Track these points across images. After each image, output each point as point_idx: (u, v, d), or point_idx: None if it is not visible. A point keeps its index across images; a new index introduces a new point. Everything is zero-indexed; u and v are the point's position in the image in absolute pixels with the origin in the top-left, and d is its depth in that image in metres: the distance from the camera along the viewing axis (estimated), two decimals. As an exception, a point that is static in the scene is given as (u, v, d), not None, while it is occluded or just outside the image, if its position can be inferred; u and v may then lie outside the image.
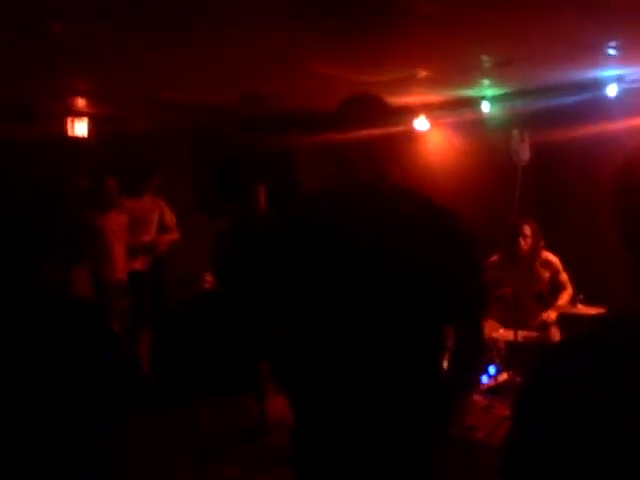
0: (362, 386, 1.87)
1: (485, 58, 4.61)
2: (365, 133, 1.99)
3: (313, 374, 1.92)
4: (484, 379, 4.58)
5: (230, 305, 4.27)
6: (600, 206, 4.20)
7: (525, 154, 5.20)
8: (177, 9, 3.36)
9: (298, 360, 1.94)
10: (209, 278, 5.60)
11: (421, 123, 6.35)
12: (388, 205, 1.96)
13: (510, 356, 4.61)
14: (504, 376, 4.57)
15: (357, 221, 1.91)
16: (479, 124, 6.13)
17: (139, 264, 5.75)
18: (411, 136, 6.23)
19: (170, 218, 5.94)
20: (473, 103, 6.02)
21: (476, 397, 4.35)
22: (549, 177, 5.85)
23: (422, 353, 1.91)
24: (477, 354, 2.09)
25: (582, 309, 4.71)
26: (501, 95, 5.95)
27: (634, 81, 5.12)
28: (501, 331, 4.78)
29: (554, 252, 5.06)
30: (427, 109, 6.28)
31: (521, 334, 4.57)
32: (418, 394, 1.90)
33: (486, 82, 5.52)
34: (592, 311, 4.58)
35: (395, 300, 1.86)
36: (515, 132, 5.40)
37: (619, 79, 5.17)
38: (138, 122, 6.12)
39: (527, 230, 5.00)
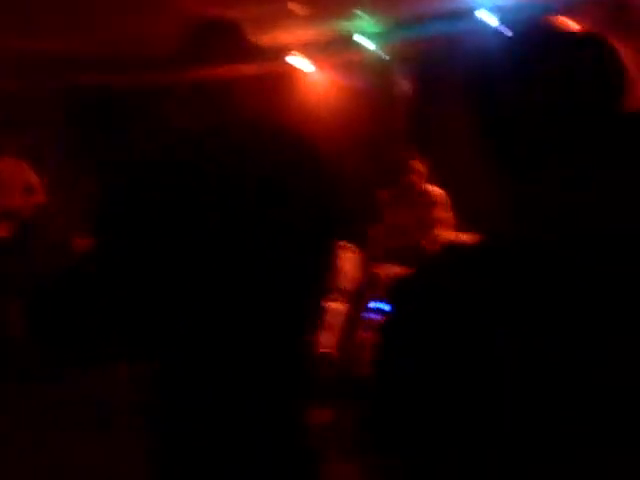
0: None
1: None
2: (220, 72, 1.82)
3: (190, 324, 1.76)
4: (372, 315, 4.48)
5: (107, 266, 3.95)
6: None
7: (408, 89, 5.08)
8: None
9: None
10: (80, 241, 5.21)
11: (298, 61, 6.06)
12: (259, 142, 1.79)
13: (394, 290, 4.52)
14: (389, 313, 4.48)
15: (230, 158, 1.75)
16: (360, 61, 5.94)
17: (3, 230, 5.30)
18: (289, 76, 5.96)
19: (35, 180, 5.46)
20: (352, 39, 5.79)
21: (364, 334, 4.25)
22: (434, 113, 5.75)
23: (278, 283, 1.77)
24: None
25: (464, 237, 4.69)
26: (379, 30, 5.75)
27: (510, 10, 5.02)
28: (386, 266, 4.68)
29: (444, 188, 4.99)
30: (304, 47, 6.00)
31: (405, 269, 4.48)
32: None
33: (363, 16, 5.29)
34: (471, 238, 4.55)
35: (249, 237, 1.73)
36: (396, 67, 5.28)
37: (497, 8, 5.06)
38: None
39: (415, 165, 4.91)
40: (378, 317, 4.47)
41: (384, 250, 4.72)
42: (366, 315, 4.48)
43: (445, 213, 4.95)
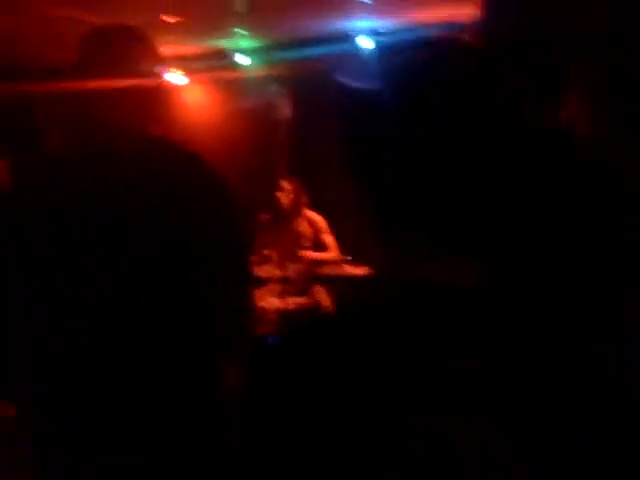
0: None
1: (235, 3, 4.27)
2: (108, 80, 1.70)
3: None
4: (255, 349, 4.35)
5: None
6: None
7: (284, 109, 5.01)
8: None
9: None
10: None
11: (176, 77, 5.85)
12: (133, 160, 1.70)
13: (283, 324, 4.44)
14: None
15: (99, 184, 1.64)
16: (237, 78, 5.82)
17: None
18: (164, 89, 5.75)
19: None
20: (230, 56, 5.68)
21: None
22: (311, 133, 5.72)
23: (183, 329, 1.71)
24: (241, 316, 1.90)
25: (348, 269, 4.65)
26: (258, 48, 5.68)
27: (386, 34, 5.09)
28: (270, 299, 4.57)
29: (320, 213, 4.92)
30: (180, 61, 5.81)
31: (291, 301, 4.39)
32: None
33: (240, 32, 5.19)
34: (359, 271, 4.55)
35: (133, 263, 1.64)
36: (273, 86, 5.20)
37: (373, 31, 5.11)
38: None
39: (286, 185, 4.80)
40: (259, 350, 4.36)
41: (271, 283, 4.59)
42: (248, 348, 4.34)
43: (328, 237, 4.89)
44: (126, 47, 1.74)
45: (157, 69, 1.80)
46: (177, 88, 6.01)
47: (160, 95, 1.85)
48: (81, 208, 1.63)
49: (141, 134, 1.73)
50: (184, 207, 1.66)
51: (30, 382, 1.71)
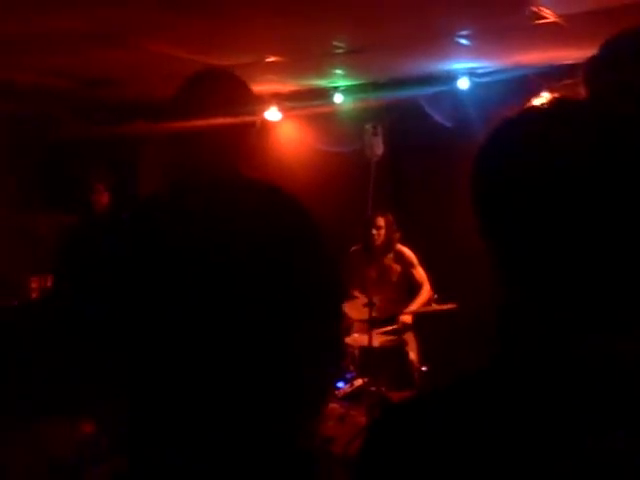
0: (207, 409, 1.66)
1: (337, 44, 4.39)
2: (207, 121, 1.75)
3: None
4: (340, 385, 4.36)
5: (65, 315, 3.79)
6: (455, 201, 4.09)
7: (379, 148, 5.05)
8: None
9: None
10: (36, 285, 5.00)
11: (272, 114, 6.03)
12: (231, 201, 1.74)
13: (365, 361, 4.42)
14: (359, 382, 4.36)
15: (194, 229, 1.69)
16: (333, 116, 5.93)
17: None
18: (262, 127, 5.92)
19: None
20: (326, 94, 5.81)
21: (332, 405, 4.11)
22: (403, 171, 5.75)
23: (272, 362, 1.70)
24: (334, 358, 1.89)
25: (436, 307, 4.61)
26: (354, 87, 5.78)
27: (484, 74, 5.08)
28: (355, 336, 4.59)
29: (413, 249, 4.92)
30: (279, 99, 5.98)
31: (376, 339, 4.39)
32: (266, 407, 1.69)
33: (339, 72, 5.32)
34: (445, 307, 4.52)
35: (239, 309, 1.66)
36: (368, 125, 5.26)
37: (470, 72, 5.11)
38: None
39: (381, 222, 4.86)
40: (347, 387, 4.37)
41: (360, 320, 4.57)
42: (336, 385, 4.36)
43: (419, 271, 4.88)
44: (224, 90, 1.78)
45: (254, 111, 1.82)
46: (274, 124, 6.18)
47: (254, 136, 1.86)
48: (168, 246, 1.66)
49: (234, 176, 1.77)
50: (277, 251, 1.68)
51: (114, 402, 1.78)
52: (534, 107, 0.81)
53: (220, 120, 1.73)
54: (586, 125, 0.75)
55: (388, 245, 4.88)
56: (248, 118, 1.80)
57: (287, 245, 1.69)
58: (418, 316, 4.70)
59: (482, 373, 0.77)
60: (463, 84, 5.14)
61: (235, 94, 1.79)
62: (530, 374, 0.73)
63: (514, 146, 0.78)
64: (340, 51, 4.51)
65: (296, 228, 1.74)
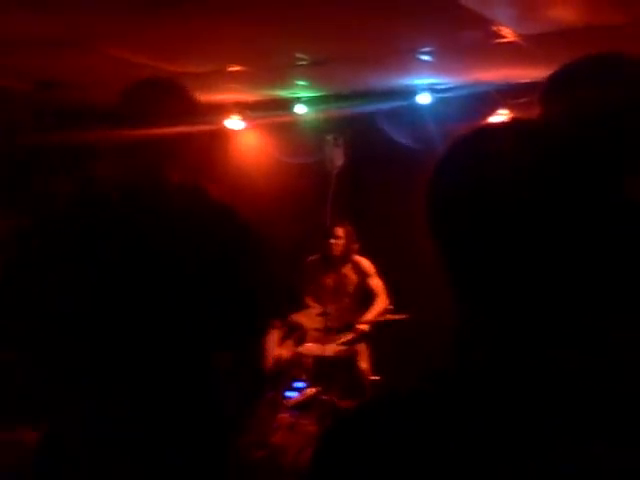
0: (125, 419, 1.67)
1: (300, 56, 4.40)
2: (143, 129, 1.79)
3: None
4: (290, 394, 4.35)
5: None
6: (414, 214, 4.13)
7: (339, 159, 5.08)
8: None
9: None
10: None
11: (234, 123, 6.01)
12: (155, 204, 1.79)
13: (318, 371, 4.43)
14: (311, 391, 4.37)
15: (118, 229, 1.76)
16: (295, 127, 5.94)
17: None
18: (219, 135, 5.90)
19: None
20: (289, 105, 5.81)
21: (282, 414, 4.10)
22: (363, 183, 5.78)
23: (191, 377, 1.74)
24: (257, 377, 1.93)
25: (390, 317, 4.67)
26: (317, 98, 5.80)
27: (445, 90, 5.15)
28: (308, 345, 4.59)
29: (371, 259, 4.95)
30: (241, 108, 5.97)
31: (330, 349, 4.40)
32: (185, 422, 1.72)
33: (302, 83, 5.35)
34: (399, 317, 4.58)
35: (160, 314, 1.71)
36: (329, 137, 5.28)
37: (431, 88, 5.17)
38: None
39: (340, 232, 4.89)
40: (298, 396, 4.37)
41: (314, 329, 4.62)
42: (287, 394, 4.36)
43: (376, 282, 4.90)
44: (161, 100, 1.83)
45: (196, 120, 1.86)
46: (235, 133, 6.16)
47: (201, 145, 1.90)
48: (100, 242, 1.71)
49: (167, 182, 1.79)
50: (201, 251, 1.72)
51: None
52: (489, 125, 0.82)
53: (157, 129, 1.77)
54: (536, 145, 0.77)
55: (346, 255, 4.90)
56: (189, 127, 1.84)
57: (208, 242, 1.74)
58: (372, 326, 4.73)
59: (433, 382, 0.78)
60: (424, 99, 5.20)
61: (174, 103, 1.83)
62: (480, 385, 0.73)
63: (468, 163, 0.80)
64: (303, 63, 4.53)
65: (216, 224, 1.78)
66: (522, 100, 4.28)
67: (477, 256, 0.76)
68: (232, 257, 1.76)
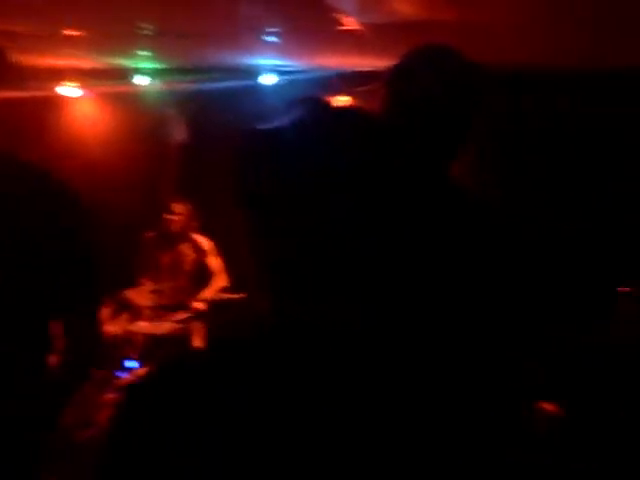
0: None
1: (144, 26, 4.25)
2: None
3: None
4: (121, 374, 4.24)
5: None
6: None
7: (181, 134, 5.00)
8: None
9: None
10: None
11: (68, 90, 5.70)
12: None
13: (149, 350, 4.36)
14: (143, 371, 4.28)
15: None
16: (135, 98, 5.73)
17: None
18: (53, 103, 5.59)
19: None
20: (130, 75, 5.60)
21: (109, 395, 3.98)
22: (204, 160, 5.72)
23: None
24: (86, 350, 1.91)
25: (226, 296, 4.67)
26: (159, 70, 5.64)
27: (288, 73, 5.22)
28: (140, 323, 4.48)
29: (211, 238, 4.90)
30: (78, 75, 5.67)
31: (163, 327, 4.34)
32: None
33: (144, 53, 5.16)
34: (235, 297, 4.58)
35: None
36: (171, 111, 5.18)
37: (275, 69, 5.23)
38: None
39: (178, 208, 4.77)
40: (128, 376, 4.26)
41: (148, 306, 4.50)
42: (117, 373, 4.23)
43: (214, 260, 4.87)
44: None
45: (18, 85, 1.83)
46: (70, 100, 5.85)
47: (44, 109, 1.87)
48: None
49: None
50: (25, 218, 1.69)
51: None
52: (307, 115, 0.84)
53: None
54: (349, 136, 0.79)
55: (184, 232, 4.80)
56: (12, 92, 1.78)
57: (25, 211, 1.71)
58: (209, 305, 4.71)
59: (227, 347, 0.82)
60: (267, 80, 5.24)
61: (12, 73, 1.76)
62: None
63: (278, 152, 0.81)
64: (147, 32, 4.38)
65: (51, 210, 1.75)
66: (362, 88, 4.43)
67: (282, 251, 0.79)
68: (50, 220, 1.72)
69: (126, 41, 4.74)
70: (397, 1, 3.48)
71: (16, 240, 1.66)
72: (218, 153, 5.54)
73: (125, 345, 4.34)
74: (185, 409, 0.76)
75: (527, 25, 3.57)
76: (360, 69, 4.78)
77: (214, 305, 4.70)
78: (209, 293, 4.77)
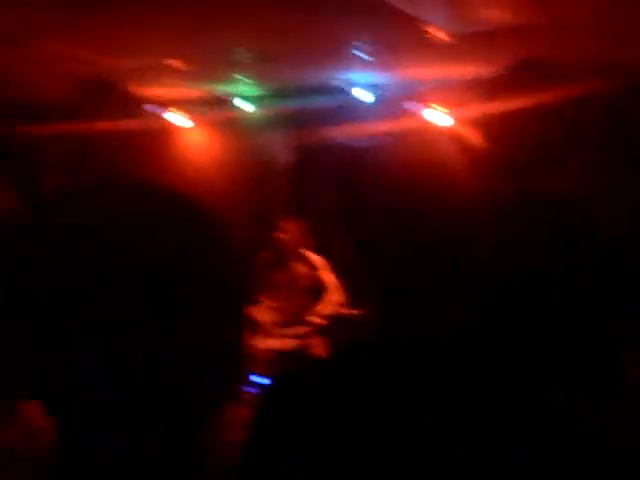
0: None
1: (241, 52, 4.46)
2: (99, 126, 1.81)
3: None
4: (249, 389, 4.38)
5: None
6: (362, 207, 4.23)
7: (288, 155, 5.16)
8: None
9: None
10: None
11: (179, 119, 6.02)
12: (119, 203, 1.79)
13: (272, 364, 4.49)
14: (268, 384, 4.42)
15: (87, 224, 1.74)
16: (241, 123, 5.97)
17: None
18: (165, 131, 5.90)
19: None
20: (235, 102, 5.84)
21: (240, 408, 4.12)
22: (309, 178, 5.86)
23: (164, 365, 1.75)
24: (237, 361, 1.99)
25: (344, 311, 4.73)
26: (260, 95, 5.85)
27: (381, 86, 5.28)
28: (262, 339, 4.64)
29: (323, 255, 5.02)
30: (186, 104, 5.98)
31: (283, 342, 4.47)
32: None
33: (245, 79, 5.38)
34: (353, 313, 4.62)
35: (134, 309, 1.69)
36: (277, 133, 5.36)
37: (368, 84, 5.31)
38: None
39: (291, 227, 4.94)
40: (254, 391, 4.38)
41: (268, 323, 4.65)
42: (244, 388, 4.38)
43: (327, 276, 4.97)
44: (106, 100, 1.91)
45: (148, 118, 1.94)
46: (179, 130, 6.17)
47: (159, 137, 1.97)
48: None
49: (124, 177, 1.87)
50: (170, 248, 1.78)
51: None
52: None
53: (113, 125, 1.85)
54: None
55: (297, 250, 4.96)
56: (142, 124, 1.90)
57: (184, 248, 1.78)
58: (326, 320, 4.80)
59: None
60: (361, 95, 5.32)
61: (127, 104, 1.89)
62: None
63: None
64: (245, 59, 4.58)
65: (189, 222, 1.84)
66: (457, 95, 4.42)
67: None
68: (205, 247, 1.83)
69: (225, 68, 4.97)
70: (485, 9, 3.47)
71: (166, 259, 1.76)
72: (321, 170, 5.74)
73: (250, 360, 4.49)
74: (307, 419, 0.84)
75: (613, 26, 3.47)
76: (453, 78, 4.77)
77: (330, 319, 4.79)
78: (324, 308, 4.88)
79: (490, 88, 3.76)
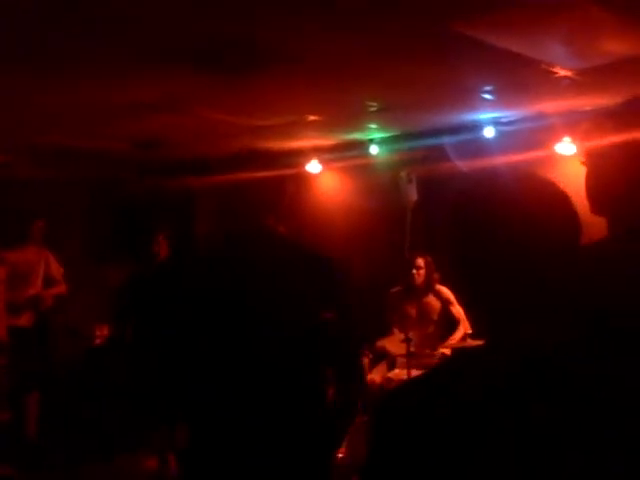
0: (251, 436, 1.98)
1: (370, 103, 4.77)
2: (244, 179, 2.09)
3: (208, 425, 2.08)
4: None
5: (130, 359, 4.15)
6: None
7: (413, 194, 5.39)
8: (55, 52, 3.32)
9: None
10: (100, 332, 5.35)
11: (313, 166, 6.42)
12: (259, 255, 2.07)
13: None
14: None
15: (231, 278, 2.05)
16: (369, 166, 6.26)
17: (24, 320, 5.34)
18: (301, 179, 6.30)
19: (57, 269, 5.57)
20: (362, 146, 6.16)
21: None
22: (437, 215, 6.00)
23: (303, 397, 2.02)
24: (354, 393, 2.20)
25: (470, 343, 4.84)
26: (388, 138, 6.12)
27: (508, 123, 5.40)
28: (396, 371, 4.84)
29: (450, 288, 5.19)
30: (318, 152, 6.37)
31: (416, 373, 4.63)
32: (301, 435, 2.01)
33: (373, 126, 5.68)
34: (478, 343, 4.69)
35: (270, 348, 1.98)
36: (402, 174, 5.60)
37: (495, 122, 5.45)
38: (21, 168, 5.87)
39: (420, 262, 5.18)
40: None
41: (401, 355, 4.81)
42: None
43: (457, 309, 5.13)
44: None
45: (288, 166, 2.18)
46: (315, 176, 6.57)
47: (292, 188, 2.21)
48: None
49: (270, 228, 2.10)
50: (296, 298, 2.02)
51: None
52: None
53: (257, 174, 2.09)
54: None
55: (428, 284, 5.19)
56: (284, 173, 2.18)
57: (311, 294, 2.03)
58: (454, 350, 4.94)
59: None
60: (489, 132, 5.48)
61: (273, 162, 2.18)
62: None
63: None
64: (373, 109, 4.89)
65: (321, 277, 2.08)
66: (584, 126, 4.48)
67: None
68: (330, 294, 2.06)
69: (357, 119, 5.30)
70: (607, 43, 3.56)
71: (292, 304, 2.01)
72: (446, 209, 5.89)
73: (384, 391, 4.69)
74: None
75: None
76: (576, 109, 4.82)
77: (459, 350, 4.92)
78: (455, 340, 5.04)
79: (616, 119, 3.80)
